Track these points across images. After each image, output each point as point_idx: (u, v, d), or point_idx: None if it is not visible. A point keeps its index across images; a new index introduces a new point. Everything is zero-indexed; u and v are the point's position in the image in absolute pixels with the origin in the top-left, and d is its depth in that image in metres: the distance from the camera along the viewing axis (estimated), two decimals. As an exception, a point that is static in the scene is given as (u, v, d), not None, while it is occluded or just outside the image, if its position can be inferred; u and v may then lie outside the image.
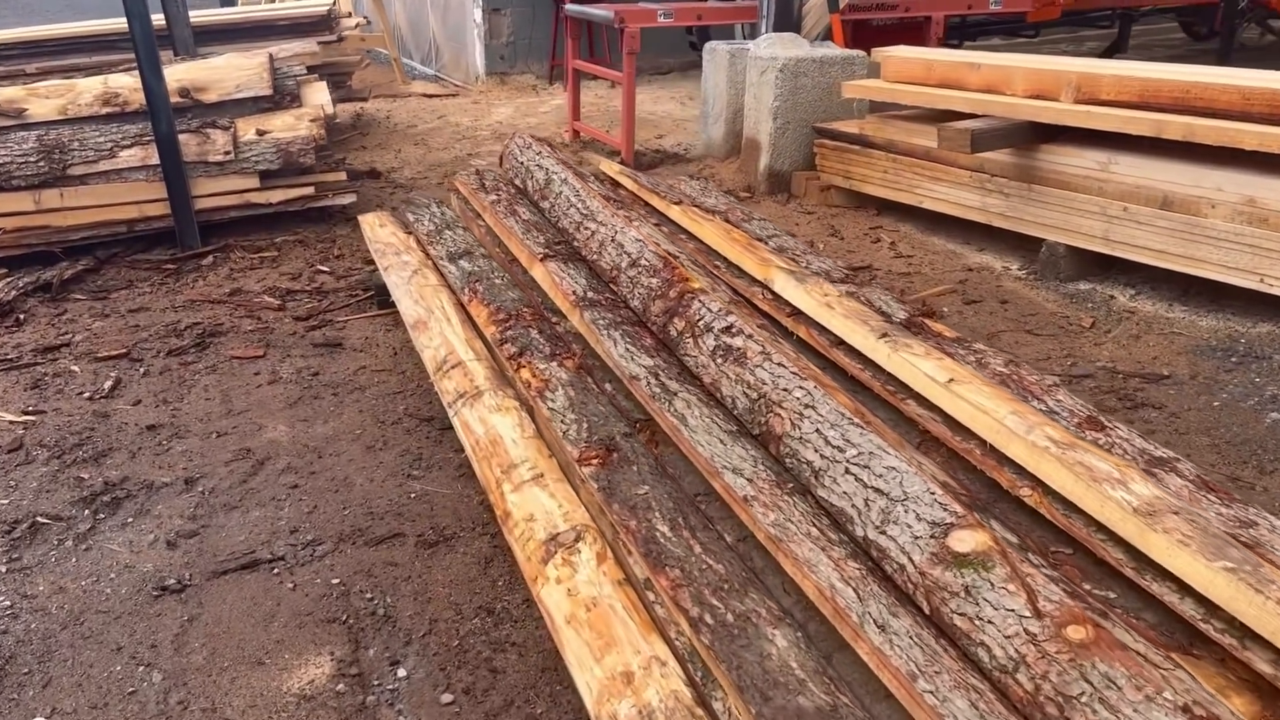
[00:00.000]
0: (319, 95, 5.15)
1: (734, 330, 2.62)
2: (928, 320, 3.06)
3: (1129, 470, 1.98)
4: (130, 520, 2.68)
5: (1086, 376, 3.33)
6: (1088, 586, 1.86)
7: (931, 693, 1.61)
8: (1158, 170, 3.73)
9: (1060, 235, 4.11)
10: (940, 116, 4.63)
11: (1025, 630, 1.63)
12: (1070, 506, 2.00)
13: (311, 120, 4.88)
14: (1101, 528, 1.94)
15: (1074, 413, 2.49)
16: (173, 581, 2.42)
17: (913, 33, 7.08)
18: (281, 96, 5.02)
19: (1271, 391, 3.13)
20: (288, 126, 4.87)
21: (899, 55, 4.90)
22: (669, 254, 3.10)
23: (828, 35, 6.27)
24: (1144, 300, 3.94)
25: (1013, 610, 1.67)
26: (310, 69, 5.49)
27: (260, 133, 4.83)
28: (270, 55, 5.04)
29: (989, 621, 1.68)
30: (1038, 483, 2.08)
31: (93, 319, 4.10)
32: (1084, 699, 1.51)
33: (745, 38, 7.37)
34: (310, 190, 4.95)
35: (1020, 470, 2.13)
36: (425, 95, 9.11)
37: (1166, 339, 3.59)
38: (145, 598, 2.37)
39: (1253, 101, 3.43)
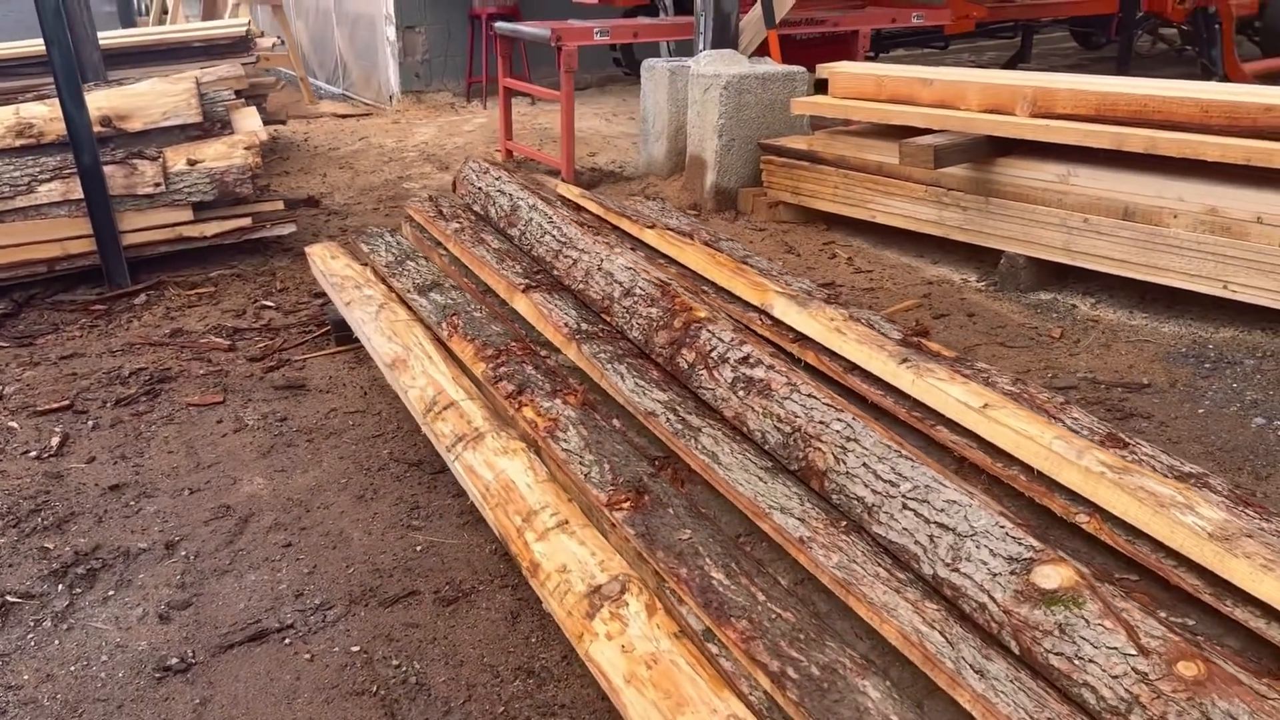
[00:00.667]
0: (250, 121, 4.91)
1: (752, 361, 2.56)
2: (924, 340, 3.05)
3: (1191, 494, 1.99)
4: (111, 593, 2.47)
5: (1071, 388, 3.37)
6: (1163, 614, 1.85)
7: (1050, 741, 1.56)
8: (1118, 182, 3.82)
9: (1020, 247, 4.18)
10: (891, 132, 4.67)
11: (1134, 669, 1.60)
12: (1132, 531, 2.00)
13: (246, 148, 4.65)
14: (1168, 552, 1.93)
15: (1094, 430, 2.49)
16: (175, 660, 2.22)
17: (838, 45, 7.17)
18: (211, 124, 4.76)
19: (1251, 396, 3.22)
20: (221, 155, 4.62)
21: (848, 71, 4.93)
22: (664, 282, 3.02)
23: (762, 51, 6.29)
24: (1105, 308, 4.02)
25: (1115, 648, 1.64)
26: (236, 93, 5.23)
27: (191, 162, 4.57)
28: (196, 80, 4.78)
29: (1090, 661, 1.65)
30: (1095, 508, 2.07)
31: (21, 368, 3.80)
32: (1209, 738, 1.49)
33: (671, 54, 7.35)
34: (248, 221, 4.71)
35: (1073, 496, 2.12)
36: (338, 115, 8.83)
37: (1136, 347, 3.67)
38: (147, 680, 2.17)
39: (1211, 114, 3.53)
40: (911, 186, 4.56)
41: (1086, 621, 1.69)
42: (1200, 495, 1.99)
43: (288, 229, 4.88)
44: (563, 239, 3.48)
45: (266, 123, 7.37)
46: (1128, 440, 2.44)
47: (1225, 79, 8.19)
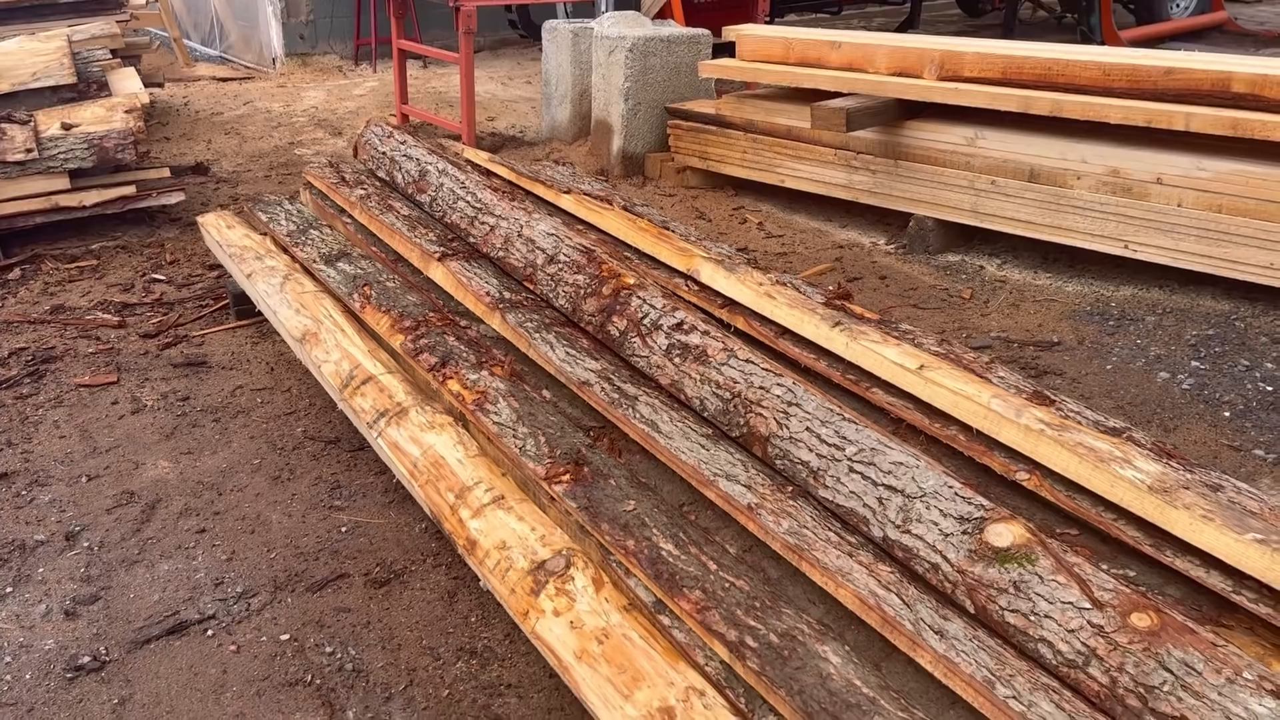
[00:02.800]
0: (130, 83, 4.61)
1: (686, 327, 2.52)
2: (848, 303, 3.06)
3: (1128, 448, 2.03)
4: (9, 590, 2.29)
5: (986, 348, 3.44)
6: (1104, 566, 1.89)
7: (1014, 698, 1.58)
8: (1024, 144, 3.89)
9: (929, 209, 4.24)
10: (800, 95, 4.67)
11: (1089, 623, 1.63)
12: (1071, 486, 2.03)
13: (127, 111, 4.36)
14: (1107, 505, 1.98)
15: (1020, 389, 2.52)
16: (87, 659, 2.07)
17: (739, 9, 7.14)
18: (87, 85, 4.45)
19: (1155, 351, 3.33)
20: (99, 119, 4.32)
21: (756, 34, 4.90)
22: (588, 248, 2.95)
23: (665, 13, 6.21)
24: (1011, 269, 4.12)
25: (1070, 602, 1.66)
26: (112, 53, 4.90)
27: (66, 126, 4.26)
28: (68, 38, 4.45)
29: (1046, 616, 1.67)
30: (1034, 465, 2.10)
31: (-116, 350, 3.50)
32: (1166, 688, 1.52)
33: (568, 16, 7.21)
34: (131, 190, 4.43)
35: (1010, 454, 2.14)
36: (218, 79, 8.40)
37: (1043, 306, 3.76)
38: (58, 681, 2.02)
39: (1113, 77, 3.62)
40: (821, 150, 4.57)
41: (1040, 578, 1.71)
42: (1134, 449, 2.04)
43: (175, 198, 4.61)
44: (478, 205, 3.37)
45: (145, 86, 6.97)
46: (1054, 398, 2.48)
47: (1102, 45, 8.47)
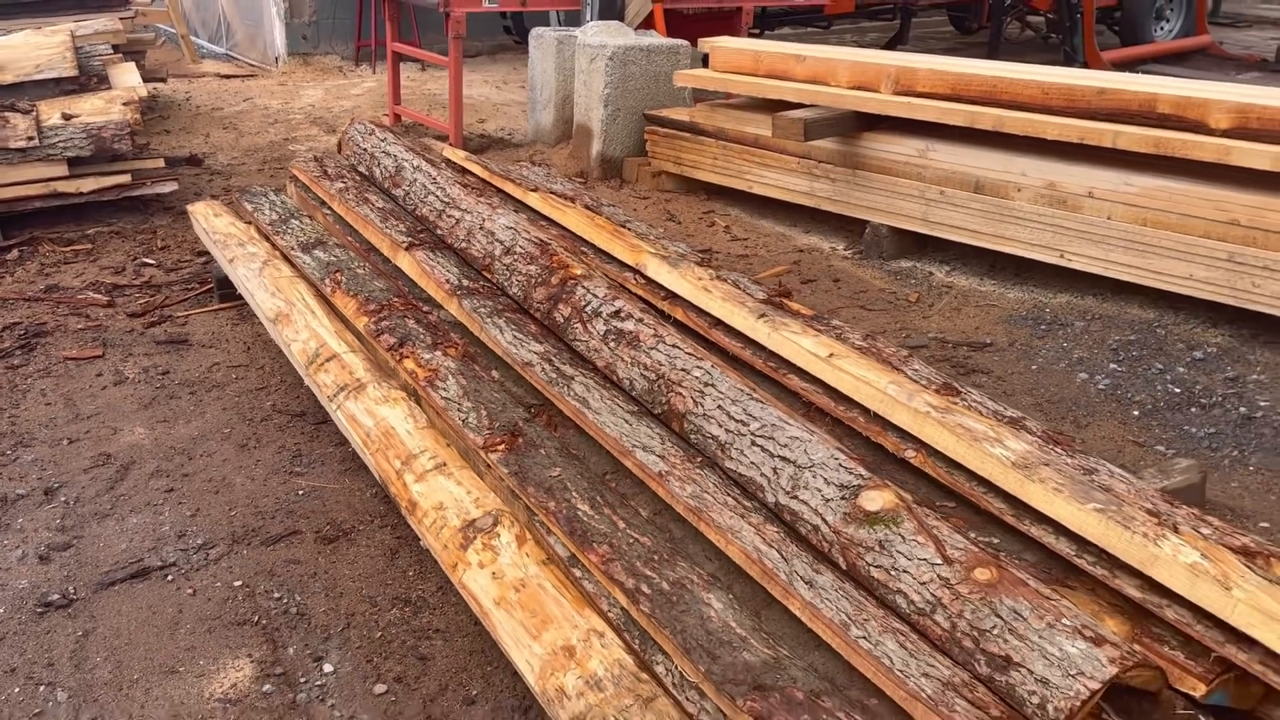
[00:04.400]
0: (129, 76, 4.84)
1: (623, 314, 2.73)
2: (786, 300, 3.27)
3: (1001, 429, 2.24)
4: (-10, 537, 2.50)
5: (922, 347, 3.64)
6: (974, 534, 2.10)
7: (865, 638, 1.78)
8: (970, 157, 4.10)
9: (883, 217, 4.45)
10: (768, 105, 4.88)
11: (939, 576, 1.83)
12: (951, 464, 2.24)
13: (125, 103, 4.59)
14: (980, 481, 2.18)
15: (931, 380, 2.73)
16: (56, 597, 2.29)
17: (722, 21, 7.36)
18: (87, 78, 4.68)
19: (1078, 354, 3.54)
20: (98, 110, 4.55)
21: (728, 46, 5.12)
22: (543, 241, 3.16)
23: (647, 25, 6.43)
24: (958, 275, 4.32)
25: (925, 559, 1.86)
26: (113, 49, 5.14)
27: (67, 117, 4.49)
28: (71, 33, 4.68)
29: (904, 571, 1.87)
30: (920, 445, 2.30)
31: (-115, 322, 3.72)
32: (995, 631, 1.72)
33: (561, 24, 7.44)
34: (127, 178, 4.65)
35: (903, 434, 2.35)
36: (222, 76, 8.64)
37: (983, 310, 3.97)
38: (28, 615, 2.23)
39: (1051, 95, 3.83)
40: (786, 159, 4.78)
41: (903, 538, 1.91)
42: (1010, 431, 2.25)
43: (169, 187, 4.84)
44: (446, 199, 3.58)
45: (145, 80, 7.20)
46: (960, 389, 2.69)
47: (1085, 66, 8.68)
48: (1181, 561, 1.80)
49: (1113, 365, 3.44)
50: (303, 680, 2.08)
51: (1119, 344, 3.56)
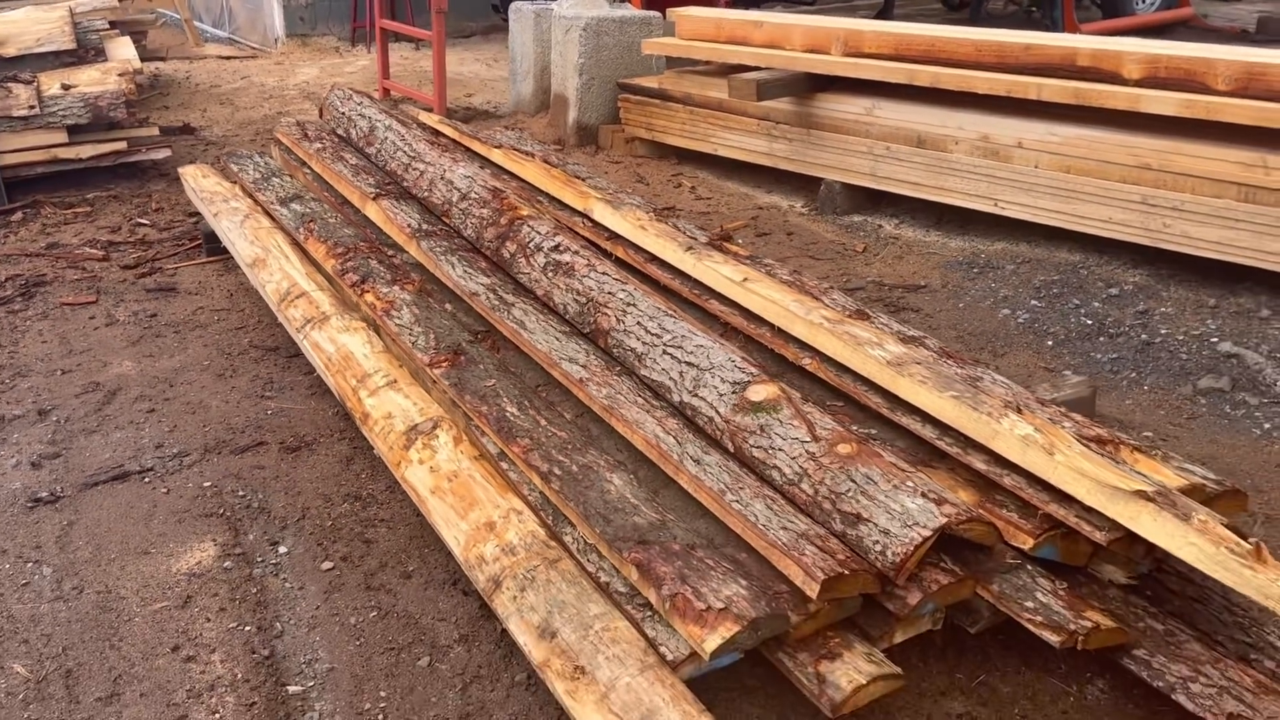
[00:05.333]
0: (125, 50, 5.11)
1: (562, 248, 2.98)
2: (726, 243, 3.51)
3: (885, 335, 2.49)
4: (-12, 449, 2.78)
5: (859, 289, 3.88)
6: (856, 427, 2.34)
7: (737, 502, 2.04)
8: (913, 113, 4.33)
9: (836, 174, 4.68)
10: (731, 70, 5.11)
11: (806, 451, 2.08)
12: (842, 370, 2.49)
13: (120, 74, 4.86)
14: (866, 383, 2.43)
15: (845, 307, 2.97)
16: (45, 494, 2.57)
17: (704, -3, 7.57)
18: (85, 51, 4.96)
19: (1004, 293, 3.77)
20: (95, 81, 4.83)
21: (692, 15, 5.35)
22: (497, 187, 3.42)
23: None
24: (906, 228, 4.55)
25: (797, 439, 2.11)
26: (110, 24, 5.41)
27: (66, 87, 4.77)
28: (70, 9, 4.96)
29: (779, 449, 2.12)
30: (817, 353, 2.55)
31: (-103, 276, 4.01)
32: (850, 494, 1.97)
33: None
34: (123, 145, 4.93)
35: (803, 346, 2.60)
36: (222, 57, 8.92)
37: (924, 258, 4.20)
38: (20, 510, 2.51)
39: (983, 52, 4.06)
40: (746, 120, 5.02)
41: (780, 422, 2.16)
42: (893, 338, 2.50)
43: (163, 154, 5.11)
44: (412, 154, 3.84)
45: (147, 59, 7.51)
46: (870, 314, 2.93)
47: (1064, 38, 8.85)
48: (1016, 434, 2.04)
49: (1034, 302, 3.67)
50: (259, 559, 2.35)
51: (1043, 284, 3.79)
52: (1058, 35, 4.17)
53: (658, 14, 5.88)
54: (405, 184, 3.80)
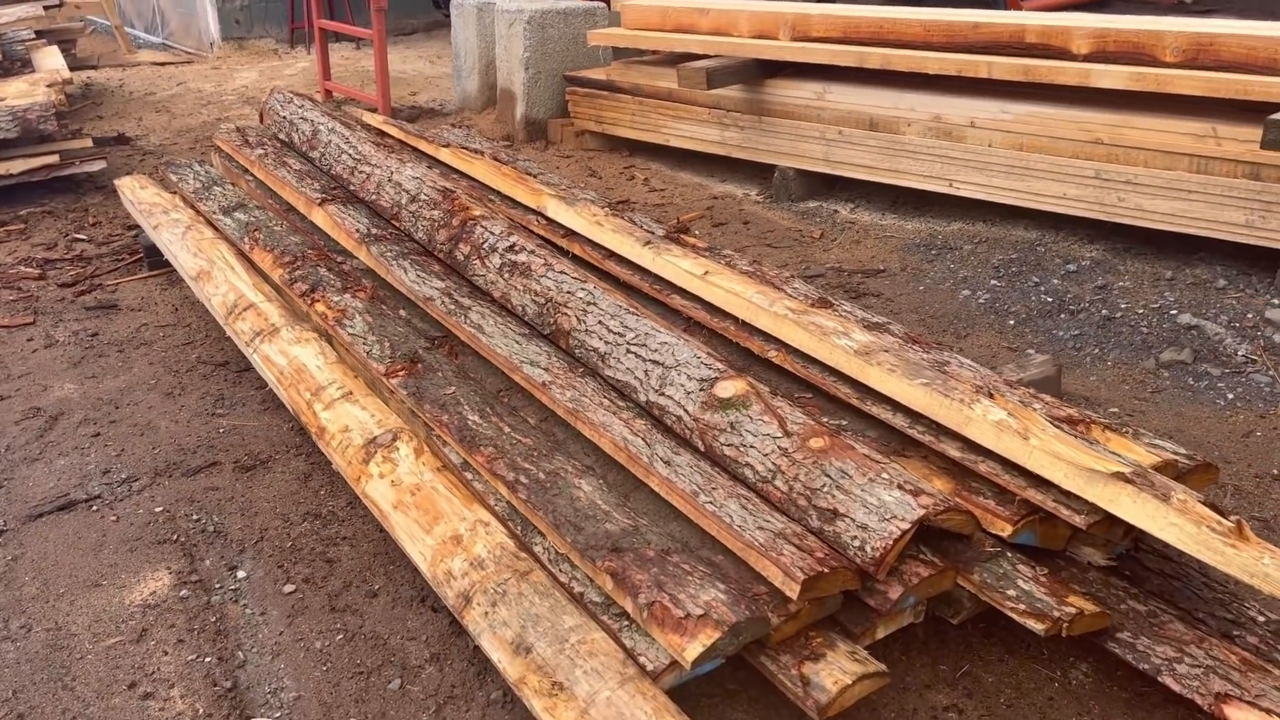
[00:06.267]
0: (53, 60, 4.94)
1: (517, 248, 2.91)
2: (683, 235, 3.46)
3: (851, 324, 2.45)
4: (-76, 483, 2.66)
5: (819, 276, 3.85)
6: (826, 419, 2.30)
7: (711, 503, 1.98)
8: (864, 96, 4.30)
9: (790, 160, 4.64)
10: (679, 59, 5.05)
11: (779, 447, 2.03)
12: (809, 360, 2.44)
13: (49, 85, 4.69)
14: (834, 373, 2.39)
15: (808, 296, 2.93)
16: (-13, 530, 2.45)
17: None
18: (11, 63, 4.78)
19: (963, 274, 3.76)
20: (22, 93, 4.66)
21: (637, 4, 5.28)
22: (447, 188, 3.33)
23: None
24: (862, 212, 4.53)
25: (769, 434, 2.07)
26: (37, 34, 5.23)
27: (-9, 100, 4.60)
28: (-8, 18, 4.78)
29: (751, 446, 2.07)
30: (782, 345, 2.51)
31: None
32: (825, 489, 1.93)
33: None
34: (55, 158, 4.76)
35: (768, 338, 2.55)
36: (157, 64, 8.69)
37: (882, 241, 4.18)
38: (-39, 547, 2.39)
39: (932, 32, 4.04)
40: (697, 110, 4.96)
41: (750, 418, 2.11)
42: (858, 326, 2.46)
43: (97, 166, 4.95)
44: (358, 156, 3.74)
45: (77, 68, 7.29)
46: (833, 302, 2.90)
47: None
48: (990, 420, 2.01)
49: (994, 282, 3.66)
50: (218, 586, 2.26)
51: (1001, 263, 3.78)
52: (1006, 13, 4.17)
53: (603, 4, 5.80)
54: (352, 188, 3.69)
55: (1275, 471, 2.56)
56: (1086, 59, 3.61)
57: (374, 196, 3.53)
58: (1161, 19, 3.83)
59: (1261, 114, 3.12)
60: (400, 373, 2.64)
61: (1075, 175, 3.68)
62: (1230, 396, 2.89)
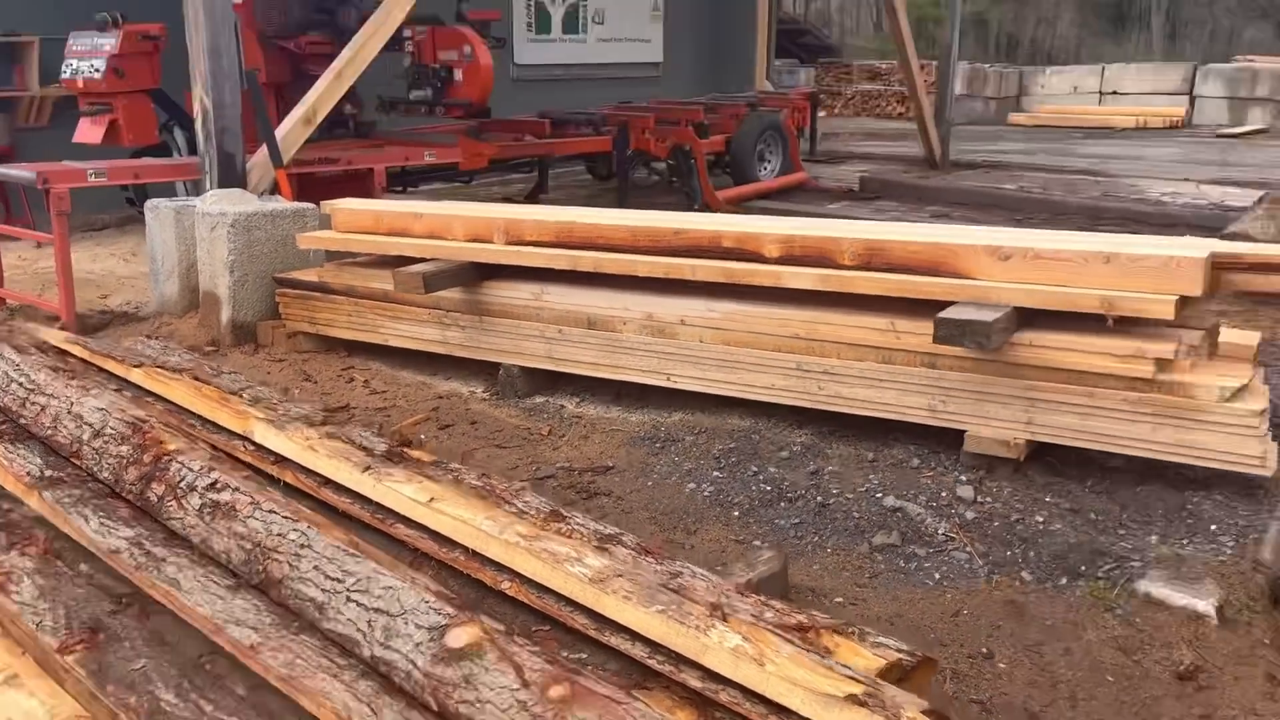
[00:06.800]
0: None
1: (220, 485, 2.67)
2: (407, 449, 3.32)
3: (583, 549, 2.40)
4: None
5: (550, 477, 3.81)
6: (565, 653, 2.21)
7: (448, 776, 1.81)
8: (581, 296, 4.43)
9: (513, 358, 4.66)
10: (394, 262, 5.02)
11: (517, 700, 1.91)
12: (544, 589, 2.36)
13: None
14: (570, 602, 2.31)
15: (539, 510, 2.87)
16: None
17: (357, 183, 7.53)
18: None
19: (688, 466, 3.85)
20: None
21: (347, 207, 5.24)
22: (138, 419, 3.04)
23: (274, 189, 6.44)
24: (587, 405, 4.59)
25: (506, 686, 1.94)
26: None
27: None
28: None
29: (487, 702, 1.94)
30: (515, 574, 2.41)
31: None
32: (570, 743, 1.82)
33: (189, 194, 7.27)
34: None
35: (500, 567, 2.45)
36: None
37: (609, 436, 4.23)
38: None
39: (639, 237, 4.25)
40: (416, 310, 4.91)
41: (485, 669, 1.98)
42: (593, 550, 2.42)
43: None
44: (30, 386, 3.36)
45: None
46: (565, 514, 2.85)
47: (705, 206, 9.65)
48: (726, 647, 2.00)
49: (716, 473, 3.77)
50: None
51: (721, 452, 3.92)
52: (705, 217, 4.48)
53: (312, 206, 5.70)
54: (23, 421, 3.30)
55: (984, 650, 2.72)
56: (778, 262, 3.91)
57: (49, 431, 3.17)
58: (839, 224, 4.24)
59: (932, 310, 3.47)
60: (78, 646, 2.30)
61: (779, 366, 3.92)
62: (937, 576, 3.08)
